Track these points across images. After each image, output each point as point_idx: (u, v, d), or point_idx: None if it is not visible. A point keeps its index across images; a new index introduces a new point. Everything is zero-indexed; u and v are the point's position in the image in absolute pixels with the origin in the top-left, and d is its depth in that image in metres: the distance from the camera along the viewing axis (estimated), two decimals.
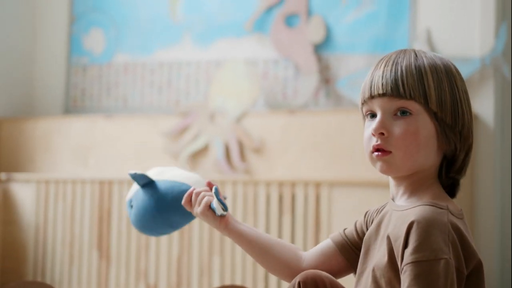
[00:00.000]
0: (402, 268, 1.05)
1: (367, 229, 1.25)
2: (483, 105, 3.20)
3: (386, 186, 1.28)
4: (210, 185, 1.43)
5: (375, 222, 1.21)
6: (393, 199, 1.19)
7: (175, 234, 3.36)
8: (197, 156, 3.53)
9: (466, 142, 1.15)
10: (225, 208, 1.34)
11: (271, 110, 3.57)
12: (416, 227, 1.04)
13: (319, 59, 3.56)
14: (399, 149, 1.14)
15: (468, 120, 1.15)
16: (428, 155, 1.14)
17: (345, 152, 3.15)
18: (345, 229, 1.32)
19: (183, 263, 3.34)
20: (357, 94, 1.24)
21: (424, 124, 1.14)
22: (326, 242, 1.33)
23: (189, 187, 1.47)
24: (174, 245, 3.36)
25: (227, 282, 3.16)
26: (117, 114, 3.87)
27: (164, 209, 1.55)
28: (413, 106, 1.14)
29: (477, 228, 3.20)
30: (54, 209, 3.61)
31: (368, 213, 1.29)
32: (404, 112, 1.14)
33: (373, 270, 1.12)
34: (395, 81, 1.14)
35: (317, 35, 3.54)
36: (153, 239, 3.40)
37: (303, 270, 1.26)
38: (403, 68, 1.14)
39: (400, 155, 1.14)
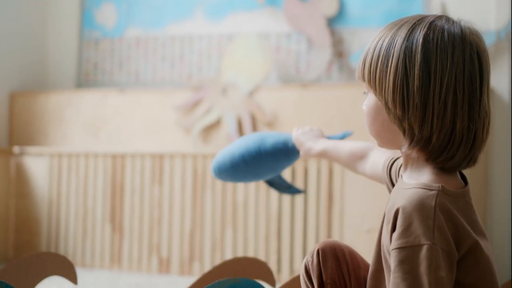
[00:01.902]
0: (390, 253, 1.05)
1: (390, 178, 1.26)
2: (499, 79, 3.18)
3: None
4: None
5: (390, 198, 1.19)
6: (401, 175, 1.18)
7: (188, 207, 3.37)
8: (209, 130, 3.53)
9: (436, 128, 1.07)
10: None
11: (283, 84, 3.56)
12: (402, 212, 1.04)
13: (332, 33, 3.54)
14: (366, 126, 1.17)
15: (438, 105, 1.06)
16: (392, 135, 1.12)
17: (358, 126, 3.14)
18: (394, 162, 1.29)
19: (196, 236, 3.36)
20: None
21: (374, 104, 1.13)
22: (379, 164, 1.35)
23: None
24: (186, 218, 3.38)
25: (240, 255, 3.17)
26: (129, 88, 3.87)
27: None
28: (365, 85, 1.15)
29: (491, 203, 3.19)
30: (67, 182, 3.63)
31: (397, 163, 1.27)
32: (365, 91, 1.17)
33: (382, 245, 1.12)
34: (360, 59, 1.17)
35: (330, 9, 3.52)
36: (165, 212, 3.41)
37: (364, 173, 1.41)
38: (369, 46, 1.14)
39: (370, 133, 1.17)
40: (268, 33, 3.67)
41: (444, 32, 1.08)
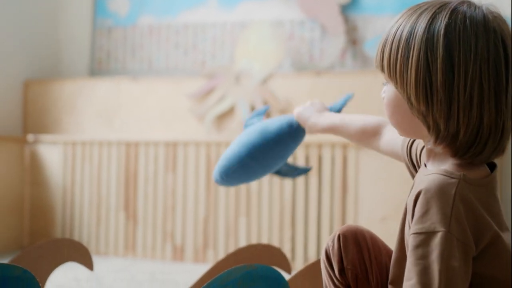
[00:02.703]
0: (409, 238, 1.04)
1: (410, 158, 1.24)
2: None
3: None
4: None
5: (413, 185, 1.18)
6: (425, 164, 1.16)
7: (201, 195, 3.38)
8: (222, 118, 3.52)
9: (463, 124, 1.03)
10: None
11: (297, 72, 3.55)
12: (421, 198, 1.02)
13: (346, 20, 3.52)
14: (386, 116, 1.15)
15: (464, 99, 1.02)
16: (415, 127, 1.10)
17: (372, 114, 3.12)
18: (413, 142, 1.25)
19: (210, 224, 3.36)
20: None
21: (394, 96, 1.10)
22: (397, 143, 1.31)
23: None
24: (200, 206, 3.38)
25: (254, 243, 3.17)
26: (142, 76, 3.87)
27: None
28: (384, 75, 1.12)
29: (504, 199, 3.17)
30: (81, 170, 3.64)
31: (421, 147, 1.22)
32: (384, 81, 1.14)
33: (405, 233, 1.11)
34: (378, 48, 1.13)
35: None
36: (179, 200, 3.41)
37: (379, 149, 1.37)
38: (388, 34, 1.10)
39: (390, 122, 1.15)
40: (282, 20, 3.65)
41: (467, 20, 1.04)
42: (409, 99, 1.07)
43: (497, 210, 1.06)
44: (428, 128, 1.07)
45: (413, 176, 1.25)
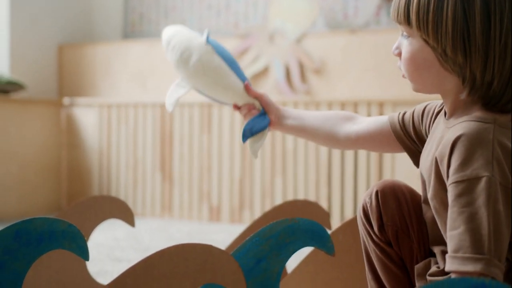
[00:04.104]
0: (447, 189, 1.02)
1: (422, 125, 1.21)
2: None
3: None
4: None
5: (427, 144, 1.15)
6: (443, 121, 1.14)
7: (237, 155, 3.38)
8: (257, 78, 3.50)
9: (497, 72, 1.03)
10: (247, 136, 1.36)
11: (331, 30, 3.51)
12: (459, 146, 1.00)
13: None
14: (404, 72, 1.11)
15: (499, 48, 1.02)
16: (439, 81, 1.08)
17: None
18: (404, 114, 1.25)
19: (245, 184, 3.37)
20: None
21: (419, 49, 1.07)
22: (382, 120, 1.28)
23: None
24: (236, 166, 3.39)
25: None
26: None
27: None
28: (406, 29, 1.09)
29: None
30: (117, 132, 3.66)
31: (428, 109, 1.21)
32: (405, 34, 1.10)
33: (431, 200, 1.09)
34: (395, 3, 1.11)
35: None
36: (215, 161, 3.42)
37: (352, 133, 1.30)
38: None
39: (408, 78, 1.12)
40: None
41: None
42: (444, 51, 1.05)
43: None
44: (463, 80, 1.05)
45: (408, 150, 1.23)
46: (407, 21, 1.07)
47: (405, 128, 1.24)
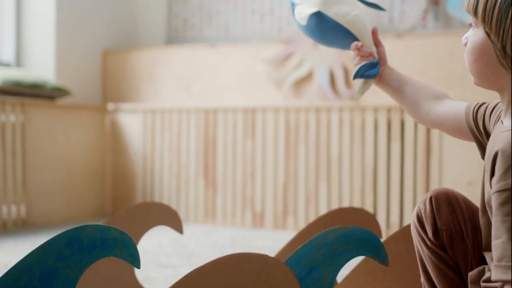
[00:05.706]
0: (491, 197, 1.02)
1: (490, 121, 1.19)
2: None
3: None
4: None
5: (488, 144, 1.14)
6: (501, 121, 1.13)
7: (281, 161, 3.36)
8: (301, 83, 3.48)
9: None
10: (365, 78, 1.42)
11: None
12: (500, 156, 1.01)
13: None
14: (466, 62, 1.12)
15: None
16: (495, 76, 1.08)
17: (456, 76, 3.03)
18: (480, 105, 1.23)
19: (289, 190, 3.34)
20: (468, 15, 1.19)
21: (481, 40, 1.08)
22: (461, 107, 1.27)
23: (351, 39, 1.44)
24: (280, 172, 3.36)
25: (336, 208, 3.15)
26: (220, 43, 3.86)
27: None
28: (473, 19, 1.09)
29: None
30: (161, 138, 3.67)
31: (499, 105, 1.19)
32: (472, 25, 1.11)
33: (487, 203, 1.08)
34: None
35: None
36: (258, 166, 3.41)
37: (432, 112, 1.32)
38: None
39: (468, 69, 1.12)
40: None
41: None
42: (503, 48, 1.05)
43: None
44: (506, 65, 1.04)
45: (477, 141, 1.23)
46: (475, 11, 1.08)
47: (476, 120, 1.23)
